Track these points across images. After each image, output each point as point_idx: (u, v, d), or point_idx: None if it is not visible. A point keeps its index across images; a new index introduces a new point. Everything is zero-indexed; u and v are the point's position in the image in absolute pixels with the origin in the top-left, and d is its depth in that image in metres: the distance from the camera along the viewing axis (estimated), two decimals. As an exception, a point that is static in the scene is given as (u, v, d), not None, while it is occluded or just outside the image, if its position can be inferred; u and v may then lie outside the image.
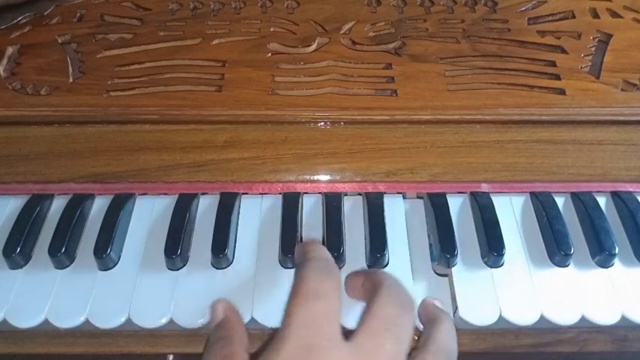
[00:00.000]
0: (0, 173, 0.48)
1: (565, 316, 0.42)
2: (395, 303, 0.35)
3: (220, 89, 0.52)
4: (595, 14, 0.58)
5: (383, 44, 0.56)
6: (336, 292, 0.35)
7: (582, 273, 0.44)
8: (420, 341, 0.38)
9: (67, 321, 0.42)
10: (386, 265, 0.44)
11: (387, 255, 0.44)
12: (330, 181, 0.48)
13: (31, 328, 0.42)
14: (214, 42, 0.55)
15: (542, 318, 0.42)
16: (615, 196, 0.48)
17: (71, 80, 0.53)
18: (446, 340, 0.38)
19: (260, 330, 0.42)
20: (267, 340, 0.41)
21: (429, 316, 0.40)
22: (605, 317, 0.42)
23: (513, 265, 0.45)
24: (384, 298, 0.35)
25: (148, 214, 0.48)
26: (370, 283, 0.38)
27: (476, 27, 0.57)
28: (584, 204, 0.47)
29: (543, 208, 0.47)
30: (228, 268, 0.44)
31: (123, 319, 0.42)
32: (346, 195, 0.49)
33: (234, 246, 0.46)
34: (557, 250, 0.44)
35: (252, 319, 0.42)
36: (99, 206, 0.48)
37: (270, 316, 0.42)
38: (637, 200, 0.47)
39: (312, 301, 0.34)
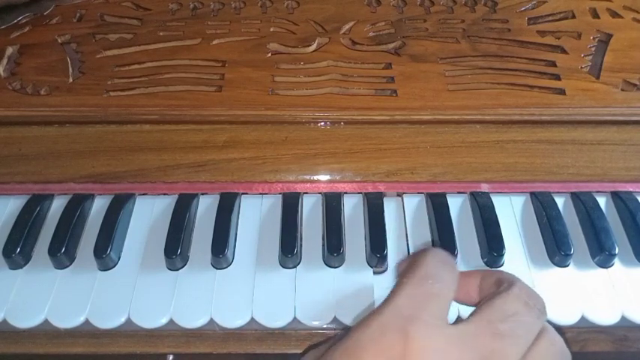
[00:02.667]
0: (0, 173, 0.48)
1: (565, 316, 0.42)
2: (524, 302, 0.32)
3: (220, 89, 0.52)
4: (595, 14, 0.58)
5: (383, 44, 0.56)
6: (452, 280, 0.34)
7: (582, 273, 0.44)
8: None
9: (67, 321, 0.42)
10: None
11: (387, 255, 0.44)
12: (330, 181, 0.48)
13: (31, 328, 0.42)
14: (214, 42, 0.55)
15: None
16: (615, 196, 0.48)
17: (71, 80, 0.53)
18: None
19: (260, 330, 0.42)
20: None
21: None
22: (605, 317, 0.42)
23: (513, 265, 0.45)
24: (512, 293, 0.33)
25: (148, 214, 0.48)
26: (492, 280, 0.35)
27: (476, 27, 0.57)
28: (584, 204, 0.47)
29: (543, 208, 0.47)
30: (228, 268, 0.44)
31: (123, 319, 0.42)
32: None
33: (234, 246, 0.46)
34: (557, 250, 0.44)
35: (253, 319, 0.42)
36: (99, 206, 0.48)
37: (270, 316, 0.42)
38: (637, 200, 0.47)
39: (424, 280, 0.32)
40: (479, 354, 0.30)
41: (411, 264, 0.35)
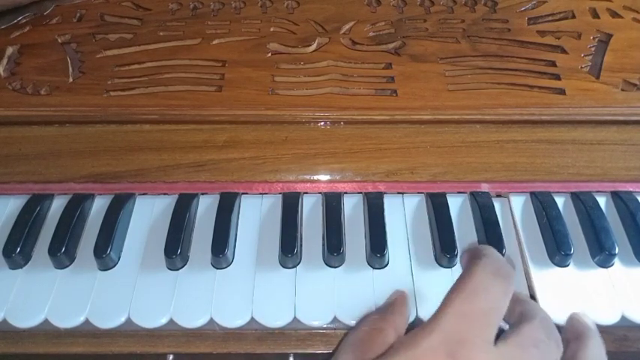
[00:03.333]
0: (0, 173, 0.48)
1: (565, 315, 0.42)
2: (546, 332, 0.34)
3: (220, 89, 0.52)
4: (595, 14, 0.58)
5: (383, 44, 0.56)
6: (504, 293, 0.34)
7: (582, 273, 0.44)
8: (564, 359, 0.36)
9: (67, 321, 0.42)
10: (386, 265, 0.44)
11: (387, 255, 0.44)
12: (330, 181, 0.48)
13: (31, 328, 0.42)
14: (214, 42, 0.55)
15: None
16: (615, 196, 0.48)
17: (71, 80, 0.53)
18: (593, 358, 0.36)
19: (260, 330, 0.42)
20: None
21: (575, 332, 0.38)
22: (605, 317, 0.42)
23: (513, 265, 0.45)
24: (537, 324, 0.34)
25: (148, 214, 0.48)
26: (522, 308, 0.37)
27: (476, 27, 0.57)
28: (584, 204, 0.47)
29: (543, 208, 0.47)
30: (228, 268, 0.44)
31: (123, 319, 0.42)
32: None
33: (234, 246, 0.46)
34: (557, 250, 0.44)
35: (253, 319, 0.42)
36: (99, 206, 0.48)
37: (270, 315, 0.42)
38: (637, 200, 0.47)
39: (474, 296, 0.32)
40: None
41: (465, 268, 0.35)
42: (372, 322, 0.36)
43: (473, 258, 0.36)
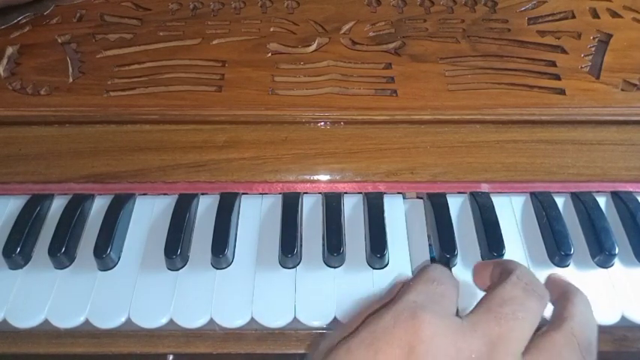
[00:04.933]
0: (0, 173, 0.48)
1: (565, 316, 0.42)
2: (522, 287, 0.34)
3: (220, 89, 0.52)
4: (595, 14, 0.58)
5: (383, 44, 0.56)
6: (454, 285, 0.35)
7: (582, 273, 0.44)
8: (551, 321, 0.34)
9: (67, 321, 0.42)
10: (386, 265, 0.44)
11: (387, 255, 0.44)
12: (330, 181, 0.48)
13: (31, 328, 0.42)
14: (214, 42, 0.55)
15: (541, 318, 0.42)
16: (615, 196, 0.48)
17: (71, 80, 0.53)
18: (584, 316, 0.34)
19: (260, 330, 0.42)
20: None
21: (558, 291, 0.37)
22: (605, 317, 0.42)
23: (513, 265, 0.45)
24: (510, 281, 0.34)
25: (148, 214, 0.48)
26: (498, 270, 0.37)
27: (476, 27, 0.57)
28: (584, 204, 0.47)
29: (543, 208, 0.47)
30: (228, 268, 0.44)
31: (123, 319, 0.42)
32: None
33: (234, 246, 0.46)
34: (557, 250, 0.44)
35: (253, 319, 0.42)
36: (99, 206, 0.48)
37: (270, 316, 0.42)
38: (637, 200, 0.47)
39: (429, 282, 0.34)
40: (485, 339, 0.31)
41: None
42: (371, 306, 0.36)
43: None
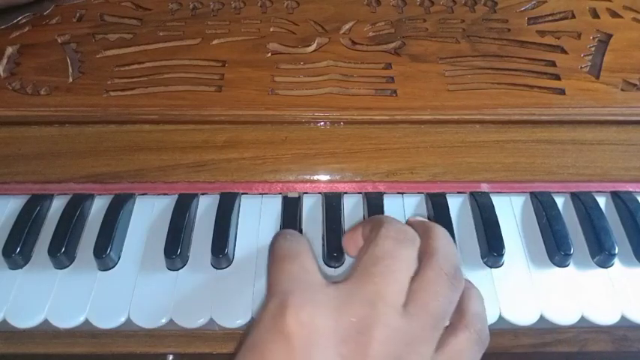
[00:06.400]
0: (0, 173, 0.48)
1: (565, 316, 0.42)
2: (393, 238, 0.35)
3: (220, 89, 0.52)
4: (595, 14, 0.58)
5: (383, 44, 0.56)
6: (305, 246, 0.37)
7: (582, 273, 0.44)
8: (419, 260, 0.35)
9: (66, 321, 0.42)
10: (386, 265, 0.44)
11: (386, 255, 0.44)
12: (330, 181, 0.48)
13: (31, 328, 0.42)
14: (214, 42, 0.55)
15: (542, 318, 0.42)
16: (615, 196, 0.48)
17: (71, 80, 0.53)
18: (444, 248, 0.36)
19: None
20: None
21: (420, 232, 0.37)
22: (605, 317, 0.42)
23: (513, 265, 0.45)
24: (380, 237, 0.35)
25: (148, 214, 0.48)
26: (368, 228, 0.37)
27: (476, 27, 0.57)
28: (584, 204, 0.47)
29: (543, 208, 0.47)
30: (228, 268, 0.44)
31: (123, 319, 0.42)
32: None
33: (234, 246, 0.46)
34: (557, 250, 0.44)
35: (252, 319, 0.42)
36: (99, 206, 0.48)
37: (270, 316, 0.42)
38: (637, 200, 0.47)
39: (282, 260, 0.35)
40: (364, 301, 0.32)
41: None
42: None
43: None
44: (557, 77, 0.52)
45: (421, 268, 0.34)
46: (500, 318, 0.42)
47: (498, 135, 0.50)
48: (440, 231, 0.37)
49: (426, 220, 0.40)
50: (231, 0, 0.60)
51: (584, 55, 0.54)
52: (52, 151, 0.49)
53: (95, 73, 0.53)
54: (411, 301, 0.32)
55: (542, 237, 0.46)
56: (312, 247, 0.38)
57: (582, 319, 0.42)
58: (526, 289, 0.43)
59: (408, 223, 0.40)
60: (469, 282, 0.38)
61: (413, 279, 0.34)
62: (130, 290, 0.43)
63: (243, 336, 0.35)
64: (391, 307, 0.32)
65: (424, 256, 0.35)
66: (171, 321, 0.42)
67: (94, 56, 0.55)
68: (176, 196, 0.48)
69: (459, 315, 0.35)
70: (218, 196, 0.48)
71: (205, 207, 0.48)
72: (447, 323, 0.34)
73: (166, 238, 0.44)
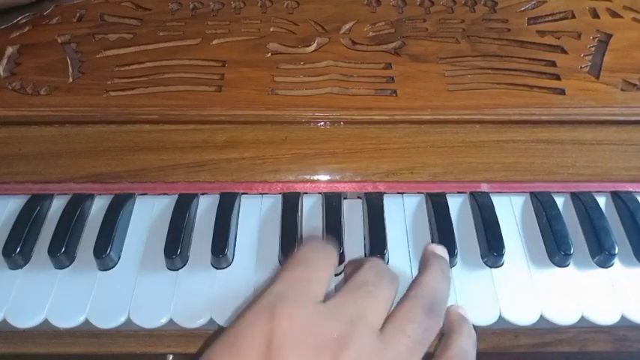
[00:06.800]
0: (0, 173, 0.48)
1: (565, 316, 0.42)
2: (374, 272, 0.37)
3: (220, 89, 0.52)
4: (595, 14, 0.58)
5: (383, 44, 0.56)
6: (327, 262, 0.38)
7: (582, 273, 0.44)
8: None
9: (66, 321, 0.42)
10: (386, 265, 0.44)
11: (386, 255, 0.44)
12: (330, 181, 0.48)
13: (31, 328, 0.42)
14: (214, 42, 0.55)
15: (541, 318, 0.42)
16: (615, 196, 0.48)
17: (71, 80, 0.53)
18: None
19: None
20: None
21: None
22: (605, 317, 0.42)
23: (513, 265, 0.45)
24: (362, 269, 0.37)
25: (148, 214, 0.48)
26: (352, 267, 0.40)
27: (476, 27, 0.57)
28: (584, 204, 0.47)
29: (543, 208, 0.47)
30: (228, 268, 0.44)
31: (123, 319, 0.42)
32: (346, 197, 0.49)
33: (234, 246, 0.46)
34: (557, 250, 0.44)
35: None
36: (99, 206, 0.48)
37: (270, 316, 0.42)
38: (637, 200, 0.47)
39: (296, 266, 0.36)
40: (346, 319, 0.33)
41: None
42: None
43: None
44: (557, 77, 0.52)
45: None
46: (500, 318, 0.42)
47: (498, 135, 0.50)
48: (431, 270, 0.40)
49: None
50: (231, 0, 0.60)
51: (584, 55, 0.54)
52: (52, 151, 0.49)
53: (95, 73, 0.53)
54: (388, 324, 0.35)
55: (542, 237, 0.46)
56: (335, 261, 0.39)
57: (582, 319, 0.42)
58: (526, 289, 0.43)
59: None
60: (465, 320, 0.40)
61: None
62: (130, 290, 0.43)
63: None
64: (370, 328, 0.34)
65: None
66: (171, 321, 0.42)
67: (94, 56, 0.55)
68: (176, 196, 0.48)
69: (444, 347, 0.37)
70: (218, 196, 0.48)
71: (205, 207, 0.48)
72: (425, 350, 0.35)
73: (166, 238, 0.44)
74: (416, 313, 0.36)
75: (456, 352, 0.37)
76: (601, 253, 0.44)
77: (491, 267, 0.44)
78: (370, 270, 0.37)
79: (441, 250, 0.42)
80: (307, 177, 0.48)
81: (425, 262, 0.41)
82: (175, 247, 0.44)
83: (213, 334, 0.42)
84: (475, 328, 0.42)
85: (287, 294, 0.34)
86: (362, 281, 0.36)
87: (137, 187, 0.48)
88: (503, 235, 0.45)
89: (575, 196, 0.48)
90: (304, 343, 0.32)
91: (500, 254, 0.44)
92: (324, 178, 0.48)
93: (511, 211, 0.48)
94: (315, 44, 0.55)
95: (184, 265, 0.45)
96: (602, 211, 0.46)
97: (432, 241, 0.46)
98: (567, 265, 0.44)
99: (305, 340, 0.32)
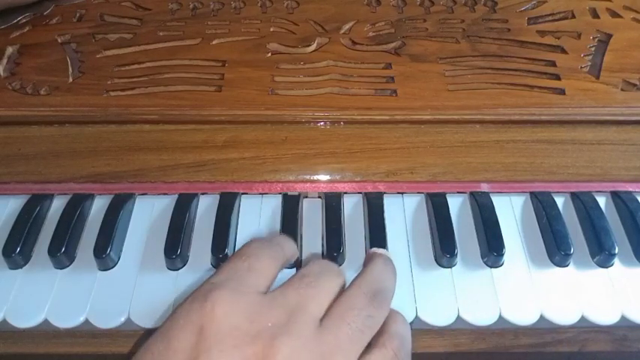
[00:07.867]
0: (0, 173, 0.48)
1: (565, 316, 0.42)
2: (318, 266, 0.37)
3: (220, 89, 0.52)
4: (595, 14, 0.58)
5: (383, 44, 0.56)
6: (272, 254, 0.37)
7: (582, 273, 0.44)
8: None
9: (66, 321, 0.42)
10: (386, 265, 0.44)
11: (386, 255, 0.44)
12: (330, 181, 0.48)
13: (31, 328, 0.42)
14: (214, 42, 0.55)
15: (541, 318, 0.42)
16: (615, 196, 0.48)
17: (71, 80, 0.53)
18: (376, 275, 0.38)
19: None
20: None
21: (366, 260, 0.40)
22: (605, 317, 0.42)
23: (513, 265, 0.45)
24: (308, 264, 0.37)
25: (148, 214, 0.48)
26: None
27: (476, 27, 0.57)
28: (584, 204, 0.47)
29: (543, 208, 0.47)
30: (228, 268, 0.44)
31: (123, 319, 0.42)
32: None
33: (234, 246, 0.46)
34: (557, 250, 0.44)
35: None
36: (99, 206, 0.48)
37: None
38: (637, 200, 0.47)
39: (239, 257, 0.36)
40: (285, 307, 0.33)
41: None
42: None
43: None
44: (557, 77, 0.52)
45: (350, 286, 0.36)
46: (500, 318, 0.42)
47: (498, 135, 0.50)
48: (374, 262, 0.39)
49: (381, 251, 0.41)
50: (231, 0, 0.60)
51: (584, 55, 0.54)
52: (52, 151, 0.49)
53: (95, 73, 0.53)
54: (328, 313, 0.34)
55: (542, 237, 0.46)
56: (290, 255, 0.39)
57: (582, 319, 0.42)
58: (526, 289, 0.43)
59: (367, 254, 0.41)
60: (396, 310, 0.39)
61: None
62: (130, 290, 0.43)
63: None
64: (308, 318, 0.33)
65: (354, 279, 0.37)
66: (171, 321, 0.42)
67: (94, 56, 0.55)
68: (176, 196, 0.48)
69: (378, 334, 0.36)
70: (218, 196, 0.48)
71: (205, 207, 0.48)
72: (368, 339, 0.34)
73: (166, 238, 0.44)
74: (357, 300, 0.35)
75: (393, 334, 0.36)
76: (601, 253, 0.44)
77: (491, 267, 0.44)
78: (315, 265, 0.37)
79: (382, 251, 0.42)
80: (307, 177, 0.48)
81: (367, 259, 0.40)
82: (175, 247, 0.44)
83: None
84: (475, 328, 0.42)
85: (224, 283, 0.34)
86: (304, 274, 0.36)
87: (137, 187, 0.48)
88: (503, 235, 0.45)
89: (575, 196, 0.48)
90: (238, 330, 0.31)
91: (501, 254, 0.44)
92: (324, 178, 0.48)
93: (511, 211, 0.48)
94: (315, 44, 0.55)
95: (184, 265, 0.45)
96: (602, 211, 0.46)
97: (433, 241, 0.46)
98: (567, 265, 0.44)
99: (240, 327, 0.31)
